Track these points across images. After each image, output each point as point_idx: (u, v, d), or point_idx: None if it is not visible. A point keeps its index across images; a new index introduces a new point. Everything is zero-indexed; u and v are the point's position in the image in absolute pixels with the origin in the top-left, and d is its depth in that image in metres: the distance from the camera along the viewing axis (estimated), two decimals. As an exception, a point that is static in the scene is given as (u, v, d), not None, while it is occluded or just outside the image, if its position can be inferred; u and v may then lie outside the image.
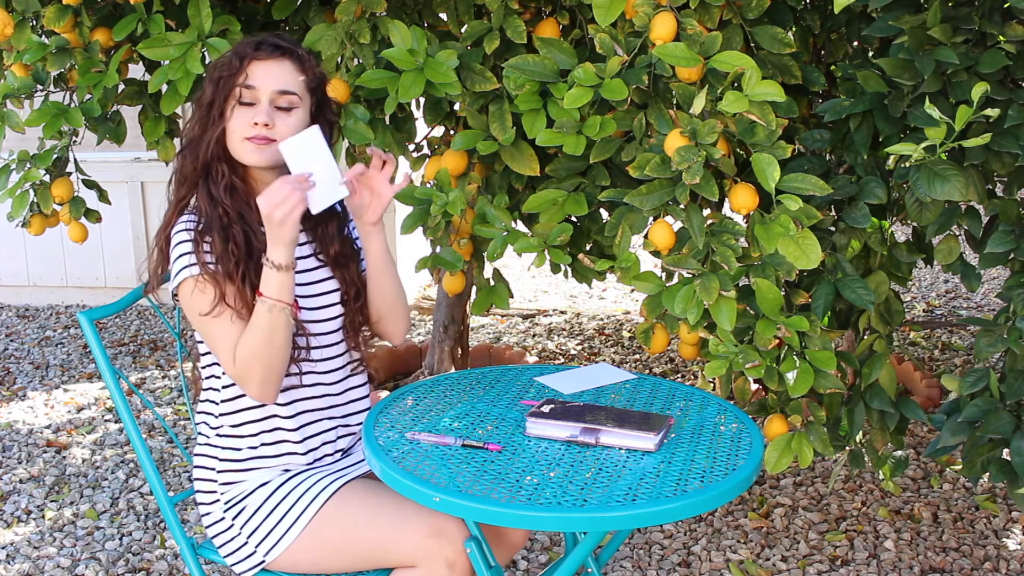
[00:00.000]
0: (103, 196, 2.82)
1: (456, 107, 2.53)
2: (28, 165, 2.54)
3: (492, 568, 1.66)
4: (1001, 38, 1.96)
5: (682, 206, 1.95)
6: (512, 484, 1.52)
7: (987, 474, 2.09)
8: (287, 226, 1.67)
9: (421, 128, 2.62)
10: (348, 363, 1.94)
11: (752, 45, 2.10)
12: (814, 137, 2.17)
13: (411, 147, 2.71)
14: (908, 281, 2.42)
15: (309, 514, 1.76)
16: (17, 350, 4.67)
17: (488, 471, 1.57)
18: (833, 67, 2.40)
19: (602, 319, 5.18)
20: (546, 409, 1.74)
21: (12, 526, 2.99)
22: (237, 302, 1.74)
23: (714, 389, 2.20)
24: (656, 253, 2.04)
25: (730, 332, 1.96)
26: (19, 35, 2.40)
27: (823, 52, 2.58)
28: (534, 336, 4.90)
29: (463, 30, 2.39)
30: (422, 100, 2.48)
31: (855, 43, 2.53)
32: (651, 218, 2.04)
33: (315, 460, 1.89)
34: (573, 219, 2.36)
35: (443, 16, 2.57)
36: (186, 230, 1.76)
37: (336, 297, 1.89)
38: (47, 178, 2.61)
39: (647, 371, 4.30)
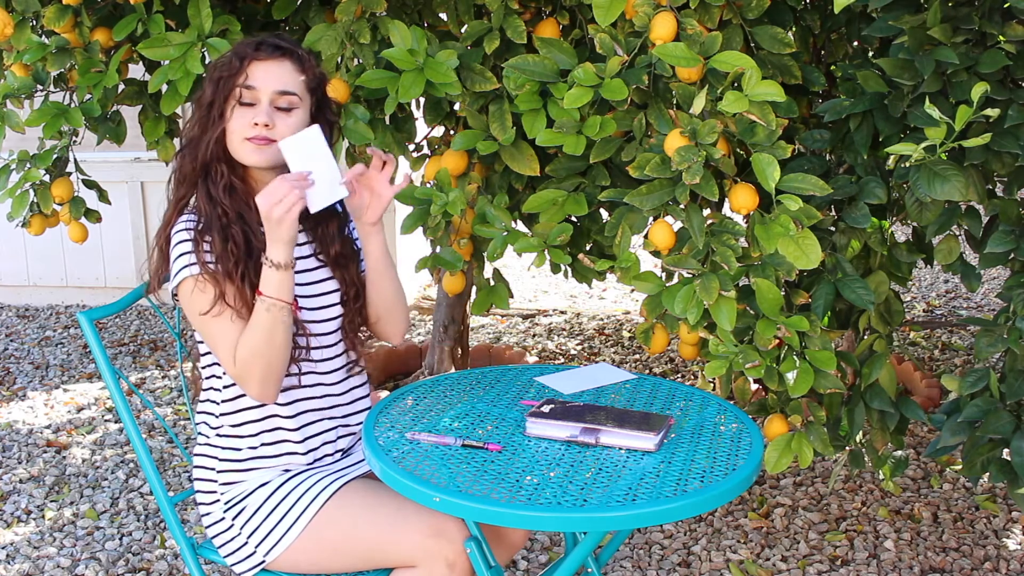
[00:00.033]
0: (103, 196, 2.82)
1: (456, 107, 2.53)
2: (28, 165, 2.54)
3: (492, 568, 1.66)
4: (1001, 38, 1.96)
5: (682, 206, 1.95)
6: (512, 484, 1.52)
7: (987, 474, 2.09)
8: (285, 224, 1.67)
9: (421, 128, 2.62)
10: (348, 363, 1.94)
11: (752, 45, 2.10)
12: (814, 137, 2.17)
13: (411, 147, 2.71)
14: (908, 281, 2.42)
15: (309, 514, 1.76)
16: (17, 350, 4.67)
17: (488, 471, 1.57)
18: (833, 67, 2.40)
19: (602, 319, 5.18)
20: (546, 409, 1.74)
21: (12, 526, 2.99)
22: (237, 301, 1.74)
23: (714, 389, 2.20)
24: (656, 253, 2.04)
25: (730, 332, 1.96)
26: (19, 35, 2.40)
27: (823, 52, 2.58)
28: (534, 336, 4.90)
29: (463, 30, 2.39)
30: (422, 100, 2.48)
31: (855, 43, 2.53)
32: (651, 218, 2.04)
33: (315, 460, 1.89)
34: (573, 219, 2.36)
35: (443, 16, 2.57)
36: (186, 230, 1.76)
37: (336, 297, 1.89)
38: (47, 178, 2.61)
39: (647, 371, 4.30)
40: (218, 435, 1.86)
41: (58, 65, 2.43)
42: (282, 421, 1.84)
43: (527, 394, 1.91)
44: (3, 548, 2.86)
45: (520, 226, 2.41)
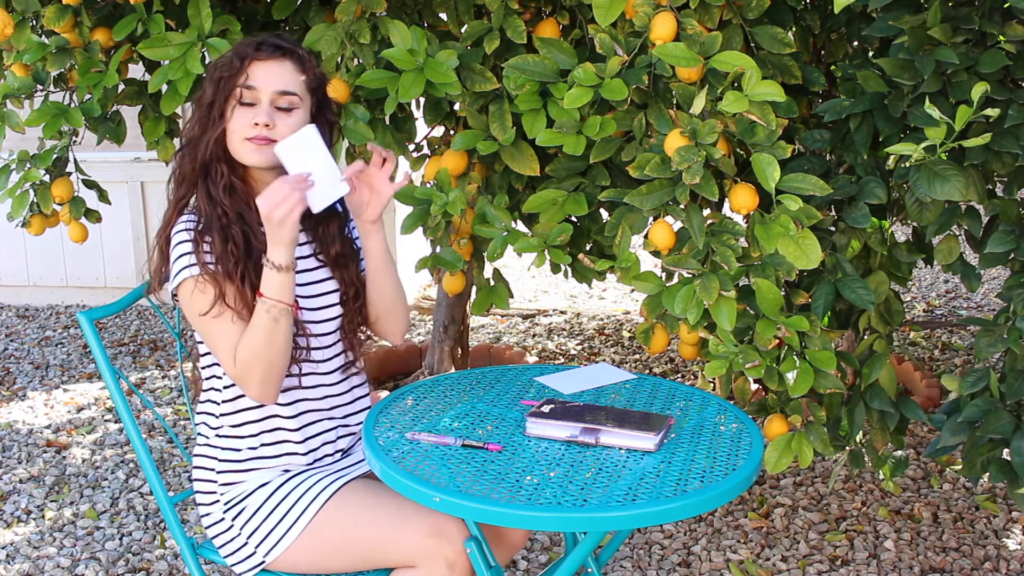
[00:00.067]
0: (103, 196, 2.82)
1: (456, 107, 2.53)
2: (28, 165, 2.54)
3: (492, 568, 1.66)
4: (1001, 38, 1.96)
5: (682, 206, 1.95)
6: (512, 484, 1.52)
7: (987, 474, 2.09)
8: (286, 226, 1.67)
9: (421, 128, 2.62)
10: (348, 363, 1.94)
11: (752, 45, 2.10)
12: (814, 137, 2.17)
13: (411, 147, 2.71)
14: (908, 281, 2.42)
15: (309, 514, 1.76)
16: (17, 350, 4.67)
17: (488, 471, 1.57)
18: (833, 67, 2.40)
19: (602, 319, 5.18)
20: (546, 409, 1.74)
21: (12, 526, 2.99)
22: (237, 302, 1.74)
23: (714, 389, 2.20)
24: (656, 253, 2.04)
25: (730, 332, 1.96)
26: (19, 35, 2.40)
27: (823, 52, 2.58)
28: (534, 336, 4.90)
29: (463, 30, 2.39)
30: (422, 100, 2.48)
31: (855, 43, 2.53)
32: (651, 218, 2.04)
33: (315, 460, 1.89)
34: (573, 219, 2.36)
35: (443, 16, 2.57)
36: (186, 230, 1.76)
37: (336, 297, 1.89)
38: (47, 178, 2.61)
39: (647, 371, 4.30)
40: (218, 435, 1.86)
41: (58, 65, 2.43)
42: (282, 421, 1.84)
43: (527, 394, 1.91)
44: (3, 548, 2.86)
45: (520, 226, 2.41)
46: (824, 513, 3.02)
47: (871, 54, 2.38)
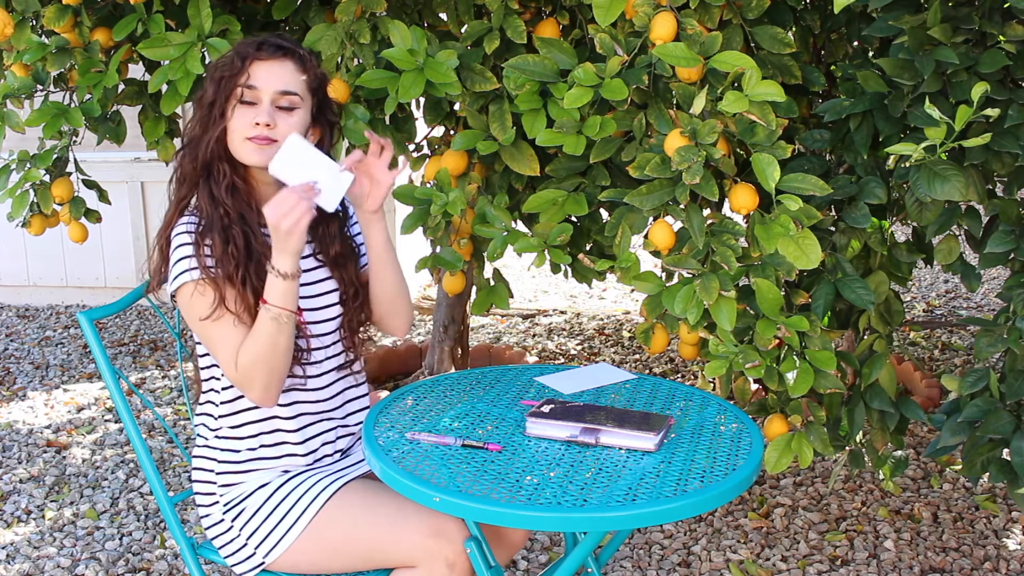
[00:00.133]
0: (103, 196, 2.82)
1: (456, 107, 2.53)
2: (28, 165, 2.54)
3: (492, 568, 1.66)
4: (1001, 38, 1.96)
5: (682, 206, 1.95)
6: (512, 484, 1.52)
7: (987, 474, 2.09)
8: (294, 236, 1.67)
9: (421, 128, 2.62)
10: (347, 363, 1.94)
11: (752, 45, 2.10)
12: (814, 137, 2.17)
13: (411, 147, 2.71)
14: (908, 281, 2.42)
15: (309, 515, 1.76)
16: (17, 350, 4.67)
17: (488, 471, 1.57)
18: (833, 67, 2.40)
19: (602, 319, 5.18)
20: (546, 409, 1.74)
21: (12, 526, 2.99)
22: (238, 305, 1.73)
23: (714, 389, 2.20)
24: (656, 253, 2.04)
25: (730, 332, 1.96)
26: (19, 35, 2.40)
27: (823, 52, 2.58)
28: (534, 336, 4.90)
29: (463, 30, 2.39)
30: (422, 100, 2.48)
31: (855, 43, 2.53)
32: (651, 218, 2.04)
33: (315, 461, 1.89)
34: (573, 219, 2.36)
35: (443, 16, 2.57)
36: (187, 232, 1.76)
37: (335, 297, 1.89)
38: (47, 178, 2.61)
39: (647, 371, 4.30)
40: (217, 436, 1.86)
41: (58, 65, 2.43)
42: (281, 422, 1.84)
43: (527, 394, 1.91)
44: (3, 548, 2.86)
45: (520, 226, 2.41)
46: (824, 513, 3.02)
47: (871, 54, 2.38)
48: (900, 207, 2.16)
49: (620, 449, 1.64)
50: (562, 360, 4.49)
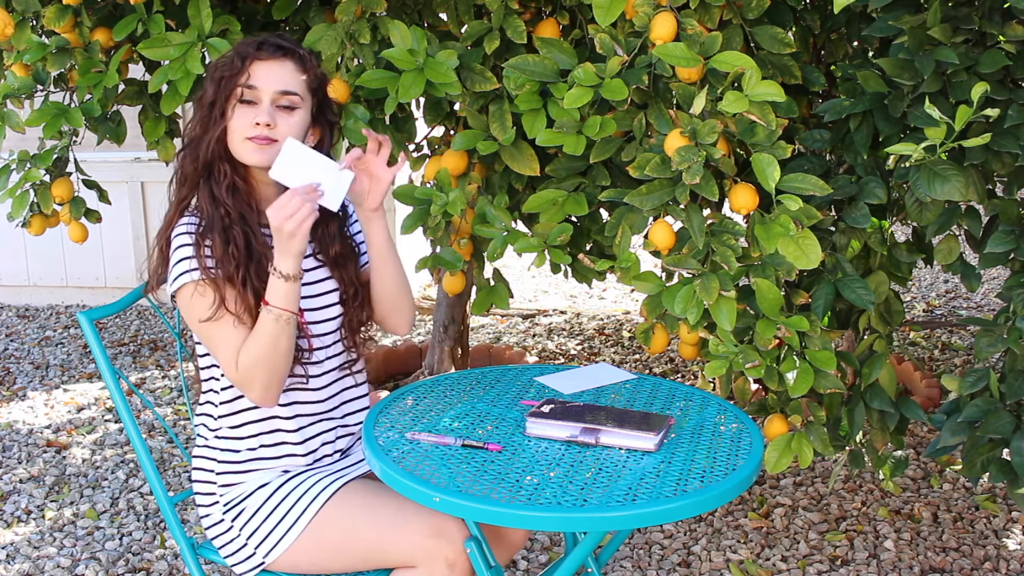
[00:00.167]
0: (103, 196, 2.82)
1: (456, 107, 2.53)
2: (28, 165, 2.54)
3: (492, 568, 1.66)
4: (1001, 38, 1.96)
5: (682, 206, 1.95)
6: (512, 484, 1.52)
7: (987, 474, 2.09)
8: (297, 238, 1.67)
9: (421, 128, 2.62)
10: (347, 363, 1.94)
11: (752, 45, 2.10)
12: (814, 137, 2.17)
13: (411, 147, 2.71)
14: (908, 281, 2.42)
15: (309, 515, 1.76)
16: (17, 350, 4.68)
17: (488, 471, 1.57)
18: (833, 67, 2.40)
19: (602, 319, 5.18)
20: (546, 409, 1.74)
21: (12, 526, 2.99)
22: (238, 306, 1.73)
23: (714, 389, 2.20)
24: (656, 253, 2.04)
25: (730, 332, 1.96)
26: (19, 35, 2.40)
27: (823, 52, 2.58)
28: (534, 336, 4.90)
29: (463, 30, 2.39)
30: (422, 100, 2.48)
31: (855, 43, 2.53)
32: (651, 218, 2.04)
33: (315, 461, 1.89)
34: (573, 219, 2.36)
35: (443, 16, 2.57)
36: (187, 232, 1.76)
37: (335, 297, 1.89)
38: (47, 178, 2.61)
39: (647, 371, 4.30)
40: (217, 437, 1.86)
41: (58, 65, 2.43)
42: (281, 422, 1.84)
43: (527, 394, 1.91)
44: (3, 548, 2.86)
45: (520, 226, 2.41)
46: (824, 513, 3.02)
47: (871, 54, 2.38)
48: (900, 207, 2.16)
49: (620, 449, 1.64)
50: (562, 360, 4.49)
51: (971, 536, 2.89)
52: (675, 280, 2.02)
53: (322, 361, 1.88)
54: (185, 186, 1.81)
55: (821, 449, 2.12)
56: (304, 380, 1.85)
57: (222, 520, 1.84)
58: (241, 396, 1.83)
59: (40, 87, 2.52)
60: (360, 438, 1.96)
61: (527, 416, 1.72)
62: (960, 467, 2.32)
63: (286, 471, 1.86)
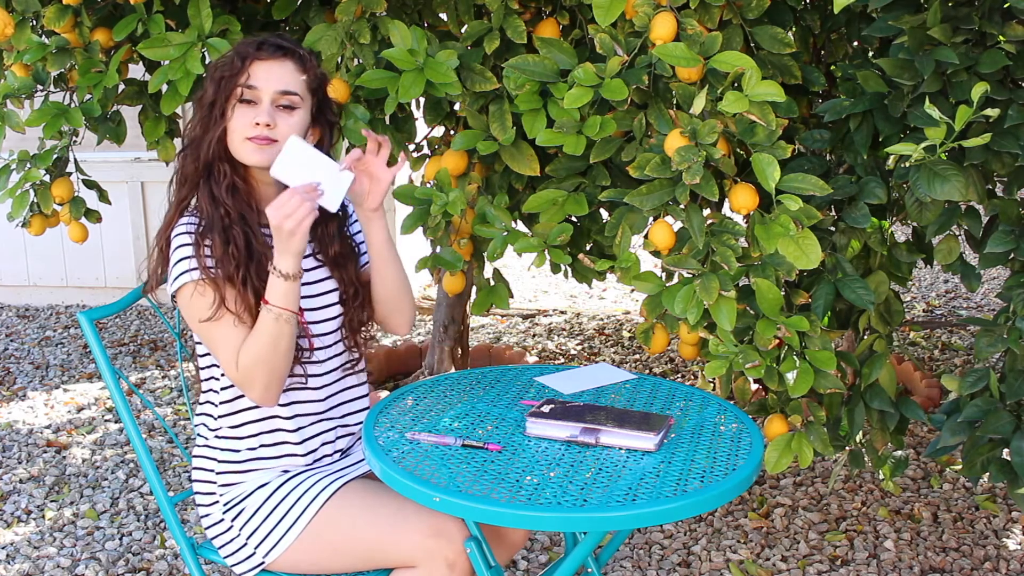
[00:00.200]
0: (103, 196, 2.82)
1: (456, 107, 2.53)
2: (28, 165, 2.54)
3: (492, 568, 1.66)
4: (1001, 38, 1.96)
5: (682, 206, 1.95)
6: (512, 484, 1.52)
7: (987, 474, 2.09)
8: (297, 237, 1.67)
9: (421, 128, 2.62)
10: (347, 363, 1.94)
11: (752, 45, 2.10)
12: (814, 137, 2.17)
13: (411, 147, 2.71)
14: (908, 281, 2.42)
15: (309, 515, 1.76)
16: (17, 350, 4.67)
17: (488, 471, 1.57)
18: (833, 67, 2.40)
19: (602, 319, 5.18)
20: (546, 409, 1.74)
21: (12, 526, 2.99)
22: (238, 305, 1.73)
23: (714, 389, 2.20)
24: (656, 253, 2.04)
25: (730, 332, 1.96)
26: (19, 35, 2.40)
27: (823, 52, 2.58)
28: (534, 336, 4.90)
29: (463, 30, 2.39)
30: (422, 100, 2.48)
31: (855, 43, 2.53)
32: (651, 218, 2.04)
33: (315, 461, 1.89)
34: (573, 219, 2.36)
35: (443, 16, 2.57)
36: (187, 232, 1.76)
37: (335, 297, 1.89)
38: (47, 178, 2.61)
39: (647, 371, 4.30)
40: (217, 436, 1.86)
41: (58, 65, 2.43)
42: (281, 422, 1.84)
43: (527, 394, 1.91)
44: (3, 548, 2.86)
45: (520, 226, 2.41)
46: (824, 513, 3.02)
47: (871, 54, 2.38)
48: (900, 207, 2.16)
49: (620, 449, 1.64)
50: (562, 360, 4.49)
51: (971, 536, 2.89)
52: (675, 280, 2.02)
53: (323, 361, 1.88)
54: (185, 186, 1.81)
55: (821, 449, 2.12)
56: (305, 379, 1.85)
57: (222, 520, 1.84)
58: (241, 396, 1.83)
59: (40, 87, 2.52)
60: (360, 438, 1.96)
61: (527, 416, 1.72)
62: (960, 467, 2.32)
63: (286, 471, 1.86)
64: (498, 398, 1.88)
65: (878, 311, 2.21)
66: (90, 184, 2.76)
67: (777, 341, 1.96)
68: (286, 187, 1.72)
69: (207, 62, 2.25)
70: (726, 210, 2.20)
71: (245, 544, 1.80)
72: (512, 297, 2.38)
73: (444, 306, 3.79)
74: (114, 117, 2.63)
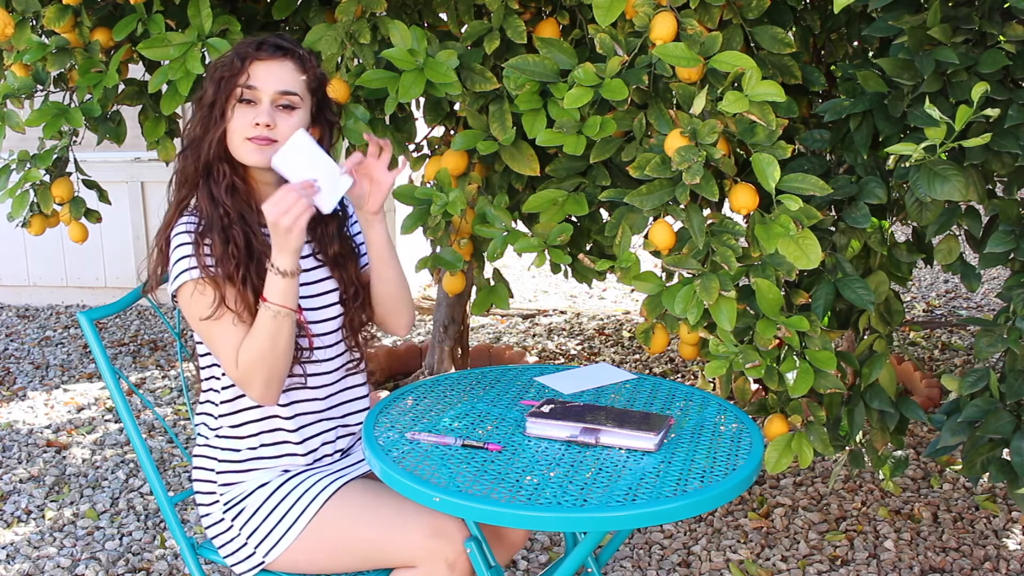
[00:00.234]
0: (103, 196, 2.82)
1: (456, 107, 2.53)
2: (28, 165, 2.54)
3: (492, 568, 1.66)
4: (1001, 38, 1.96)
5: (682, 206, 1.95)
6: (512, 484, 1.52)
7: (987, 474, 2.09)
8: (294, 233, 1.67)
9: (421, 128, 2.62)
10: (348, 363, 1.94)
11: (752, 45, 2.10)
12: (814, 137, 2.17)
13: (411, 147, 2.71)
14: (908, 281, 2.42)
15: (309, 514, 1.76)
16: (17, 350, 4.67)
17: (488, 471, 1.57)
18: (833, 67, 2.40)
19: (602, 319, 5.18)
20: (546, 409, 1.74)
21: (12, 526, 2.99)
22: (238, 304, 1.74)
23: (714, 389, 2.20)
24: (656, 253, 2.04)
25: (730, 332, 1.96)
26: (19, 35, 2.40)
27: (823, 52, 2.58)
28: (534, 336, 4.90)
29: (463, 30, 2.39)
30: (422, 100, 2.48)
31: (855, 43, 2.53)
32: (651, 218, 2.04)
33: (315, 460, 1.89)
34: (573, 219, 2.36)
35: (443, 16, 2.57)
36: (186, 232, 1.76)
37: (335, 297, 1.89)
38: (47, 178, 2.61)
39: (647, 371, 4.30)
40: (217, 436, 1.86)
41: (58, 65, 2.43)
42: (282, 422, 1.84)
43: (527, 394, 1.91)
44: (3, 548, 2.86)
45: (520, 226, 2.41)
46: (824, 513, 3.02)
47: (871, 54, 2.38)
48: (900, 207, 2.16)
49: (620, 449, 1.64)
50: (562, 360, 4.49)
51: (971, 536, 2.89)
52: (675, 280, 2.02)
53: (324, 361, 1.88)
54: (185, 186, 1.81)
55: (821, 449, 2.12)
56: (305, 379, 1.85)
57: (222, 519, 1.84)
58: (241, 395, 1.83)
59: (40, 87, 2.52)
60: (360, 438, 1.96)
61: (527, 416, 1.72)
62: (960, 467, 2.32)
63: (286, 471, 1.86)
64: (498, 398, 1.88)
65: (878, 311, 2.21)
66: (90, 184, 2.76)
67: (777, 341, 1.96)
68: (285, 182, 1.72)
69: (207, 62, 2.25)
70: (726, 210, 2.20)
71: (245, 544, 1.80)
72: (512, 297, 2.39)
73: (444, 306, 3.79)
74: (114, 117, 2.63)
